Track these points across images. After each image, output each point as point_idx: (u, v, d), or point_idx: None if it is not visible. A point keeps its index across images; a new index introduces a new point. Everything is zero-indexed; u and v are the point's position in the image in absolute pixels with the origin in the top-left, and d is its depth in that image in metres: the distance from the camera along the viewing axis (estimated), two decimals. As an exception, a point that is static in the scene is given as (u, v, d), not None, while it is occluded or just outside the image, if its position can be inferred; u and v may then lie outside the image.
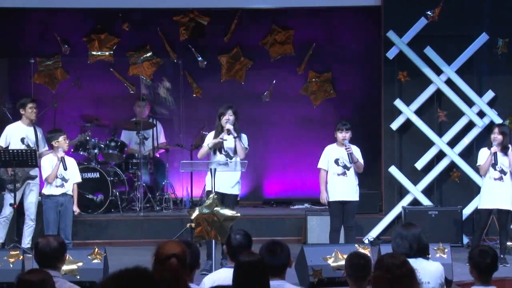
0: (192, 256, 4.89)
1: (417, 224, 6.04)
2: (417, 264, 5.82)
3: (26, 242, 9.80)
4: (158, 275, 3.93)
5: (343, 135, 9.08)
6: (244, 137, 9.06)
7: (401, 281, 3.94)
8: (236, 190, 9.01)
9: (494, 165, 9.20)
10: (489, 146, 9.33)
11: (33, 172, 9.93)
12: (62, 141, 9.47)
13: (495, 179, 9.21)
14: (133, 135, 11.79)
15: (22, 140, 9.94)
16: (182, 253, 4.12)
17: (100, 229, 10.71)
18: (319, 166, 9.25)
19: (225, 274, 5.15)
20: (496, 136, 9.20)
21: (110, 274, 2.95)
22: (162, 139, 12.06)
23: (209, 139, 9.02)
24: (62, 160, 9.42)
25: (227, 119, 8.87)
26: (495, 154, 9.14)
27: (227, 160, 8.82)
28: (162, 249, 4.12)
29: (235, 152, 8.94)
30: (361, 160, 9.16)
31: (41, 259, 5.28)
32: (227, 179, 8.77)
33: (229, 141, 8.92)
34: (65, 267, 6.71)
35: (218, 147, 8.92)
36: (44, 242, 5.34)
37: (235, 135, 8.85)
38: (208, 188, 8.93)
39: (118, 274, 2.90)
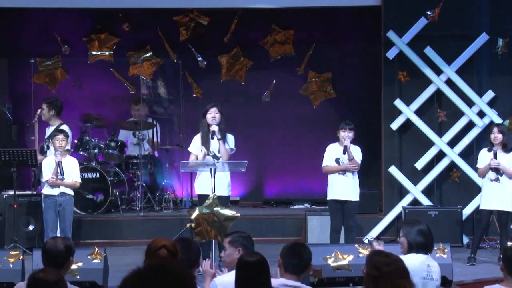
0: (192, 255, 4.88)
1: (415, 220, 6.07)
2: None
3: None
4: None
5: (346, 134, 9.06)
6: (230, 137, 8.91)
7: (389, 279, 3.87)
8: (227, 192, 8.82)
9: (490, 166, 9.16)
10: (489, 146, 9.30)
11: None
12: (56, 143, 9.17)
13: (491, 180, 9.17)
14: (129, 135, 11.77)
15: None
16: (171, 246, 4.31)
17: (100, 229, 10.70)
18: (324, 164, 9.21)
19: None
20: (496, 136, 9.17)
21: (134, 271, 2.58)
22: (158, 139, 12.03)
23: (197, 141, 8.88)
24: (59, 164, 9.16)
25: (213, 117, 8.72)
26: (495, 153, 9.11)
27: (214, 161, 8.56)
28: (153, 242, 4.45)
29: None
30: (358, 159, 9.13)
31: (47, 260, 5.27)
32: (217, 181, 8.35)
33: (214, 142, 8.80)
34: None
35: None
36: (52, 243, 5.34)
37: (219, 137, 8.73)
38: (198, 191, 8.87)
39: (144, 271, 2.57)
